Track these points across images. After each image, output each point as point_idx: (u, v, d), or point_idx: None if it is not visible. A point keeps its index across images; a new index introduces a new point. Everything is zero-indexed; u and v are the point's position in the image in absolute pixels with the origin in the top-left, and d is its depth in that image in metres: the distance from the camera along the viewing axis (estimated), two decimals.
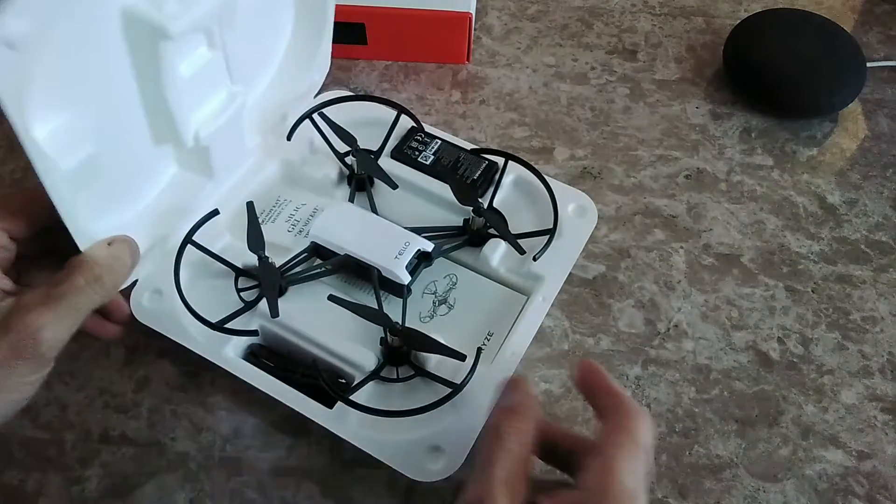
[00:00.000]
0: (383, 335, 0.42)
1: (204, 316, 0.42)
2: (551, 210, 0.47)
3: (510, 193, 0.50)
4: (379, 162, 0.49)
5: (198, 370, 0.45)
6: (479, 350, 0.41)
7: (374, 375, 0.41)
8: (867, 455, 0.44)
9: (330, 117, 0.50)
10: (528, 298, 0.45)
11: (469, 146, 0.51)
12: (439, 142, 0.50)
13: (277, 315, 0.41)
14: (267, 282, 0.43)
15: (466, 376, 0.40)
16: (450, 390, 0.39)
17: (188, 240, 0.44)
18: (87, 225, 0.37)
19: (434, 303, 0.45)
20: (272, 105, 0.50)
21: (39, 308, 0.32)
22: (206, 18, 0.38)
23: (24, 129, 0.31)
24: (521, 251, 0.45)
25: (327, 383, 0.40)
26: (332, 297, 0.41)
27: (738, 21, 0.62)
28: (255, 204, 0.47)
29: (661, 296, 0.49)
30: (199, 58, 0.40)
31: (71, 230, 0.35)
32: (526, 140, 0.57)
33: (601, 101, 0.60)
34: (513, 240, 0.45)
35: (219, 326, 0.42)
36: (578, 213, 0.48)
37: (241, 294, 0.44)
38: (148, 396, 0.44)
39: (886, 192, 0.56)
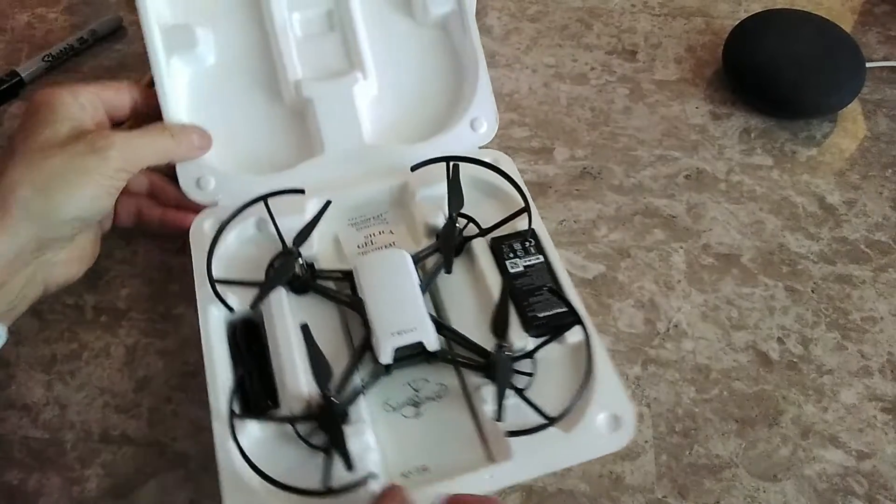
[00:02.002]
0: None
1: (225, 274, 0.42)
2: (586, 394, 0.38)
3: (563, 353, 0.41)
4: (477, 242, 0.45)
5: (198, 370, 0.45)
6: (369, 476, 0.35)
7: (289, 420, 0.37)
8: (867, 455, 0.44)
9: (461, 172, 0.46)
10: (486, 467, 0.37)
11: (566, 281, 0.43)
12: (540, 260, 0.44)
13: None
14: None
15: (341, 487, 0.34)
16: (320, 490, 0.35)
17: (262, 198, 0.43)
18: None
19: (408, 400, 0.40)
20: (413, 128, 0.50)
21: (115, 131, 0.42)
22: None
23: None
24: (498, 417, 0.37)
25: (250, 392, 0.38)
26: (304, 328, 0.38)
27: (738, 21, 0.62)
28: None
29: (661, 296, 0.50)
30: (315, 25, 0.50)
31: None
32: (526, 140, 0.57)
33: (601, 101, 0.60)
34: (498, 400, 0.37)
35: (213, 281, 0.41)
36: (610, 423, 0.38)
37: (271, 270, 0.43)
38: (148, 396, 0.44)
39: (886, 192, 0.56)
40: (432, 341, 0.39)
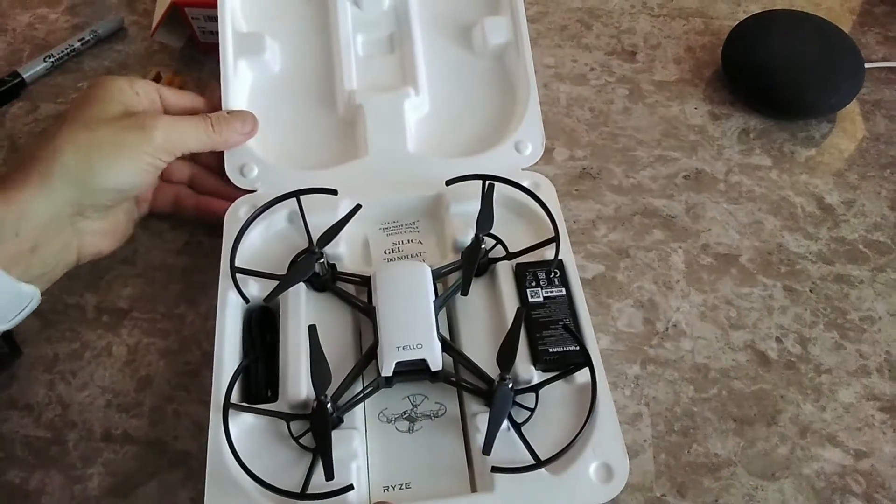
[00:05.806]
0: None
1: (246, 265, 0.43)
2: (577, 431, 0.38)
3: (569, 392, 0.40)
4: (502, 265, 0.44)
5: (199, 369, 0.45)
6: (349, 486, 0.36)
7: (283, 416, 0.38)
8: (865, 454, 0.44)
9: (495, 193, 0.45)
10: (469, 494, 0.38)
11: (586, 319, 0.42)
12: (562, 293, 0.43)
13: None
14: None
15: (318, 493, 0.35)
16: (296, 493, 0.36)
17: (295, 194, 0.44)
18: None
19: (404, 413, 0.40)
20: (458, 145, 0.51)
21: (163, 115, 0.44)
22: (385, 17, 0.54)
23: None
24: (487, 450, 0.37)
25: (252, 380, 0.40)
26: (311, 329, 0.38)
27: (737, 22, 0.62)
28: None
29: (660, 295, 0.50)
30: (376, 46, 0.54)
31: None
32: None
33: (600, 101, 0.60)
34: (488, 433, 0.37)
35: (234, 270, 0.42)
36: (601, 473, 0.37)
37: (293, 266, 0.43)
38: (150, 395, 0.45)
39: (884, 192, 0.56)
40: (436, 361, 0.39)
